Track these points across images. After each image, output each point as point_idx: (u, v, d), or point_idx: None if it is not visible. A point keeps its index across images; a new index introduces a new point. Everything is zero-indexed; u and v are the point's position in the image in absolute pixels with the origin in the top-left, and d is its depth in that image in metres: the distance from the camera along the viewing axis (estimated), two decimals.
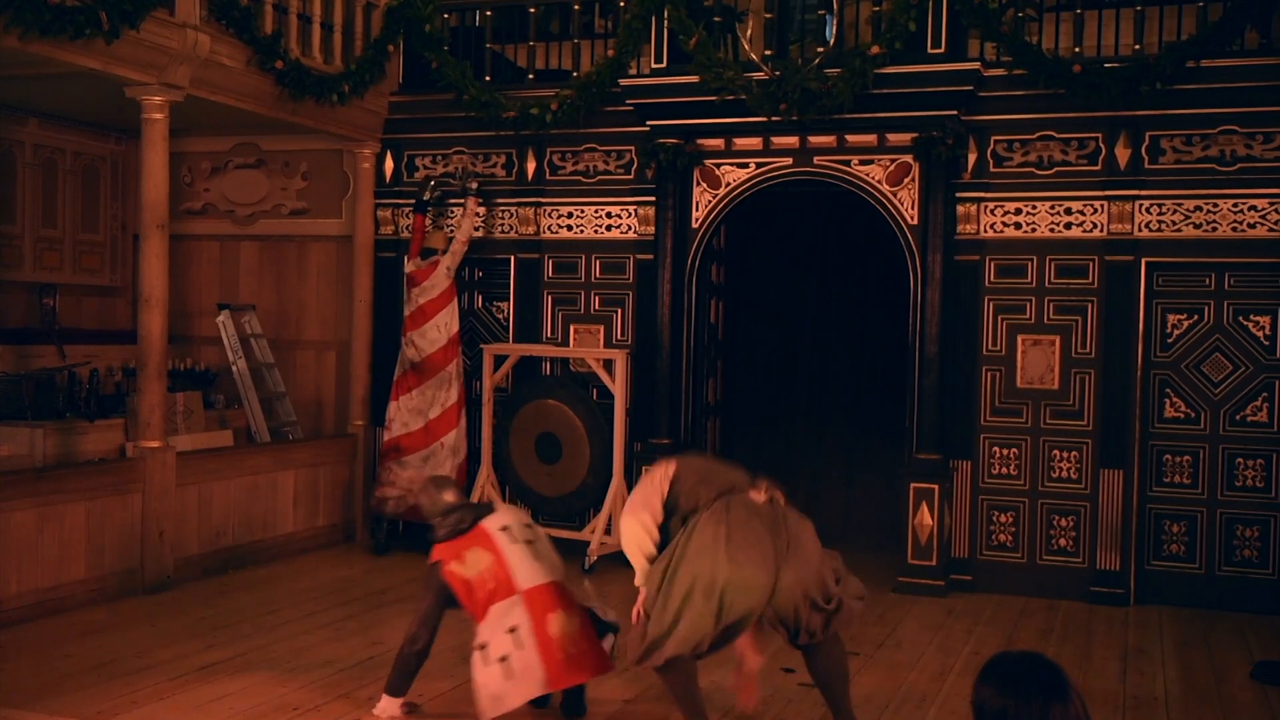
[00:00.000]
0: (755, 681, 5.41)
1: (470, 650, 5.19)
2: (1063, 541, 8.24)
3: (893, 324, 9.24)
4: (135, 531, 7.62)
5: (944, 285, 8.24)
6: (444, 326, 9.12)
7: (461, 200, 9.43)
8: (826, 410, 10.22)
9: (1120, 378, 8.10)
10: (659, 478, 5.04)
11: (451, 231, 9.47)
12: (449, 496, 5.46)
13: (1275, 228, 7.77)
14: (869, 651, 6.72)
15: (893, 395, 9.27)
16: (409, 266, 9.26)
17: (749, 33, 8.49)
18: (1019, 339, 8.30)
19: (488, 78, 9.46)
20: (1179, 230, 7.96)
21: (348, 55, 9.27)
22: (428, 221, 9.46)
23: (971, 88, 8.11)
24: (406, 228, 9.68)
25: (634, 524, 4.99)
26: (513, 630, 5.08)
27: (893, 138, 8.34)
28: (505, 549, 5.22)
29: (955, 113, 8.15)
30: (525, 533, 5.37)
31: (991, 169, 8.32)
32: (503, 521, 5.35)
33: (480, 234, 9.46)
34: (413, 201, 9.55)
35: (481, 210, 9.45)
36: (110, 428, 8.61)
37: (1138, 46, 8.06)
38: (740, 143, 8.73)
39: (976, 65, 8.08)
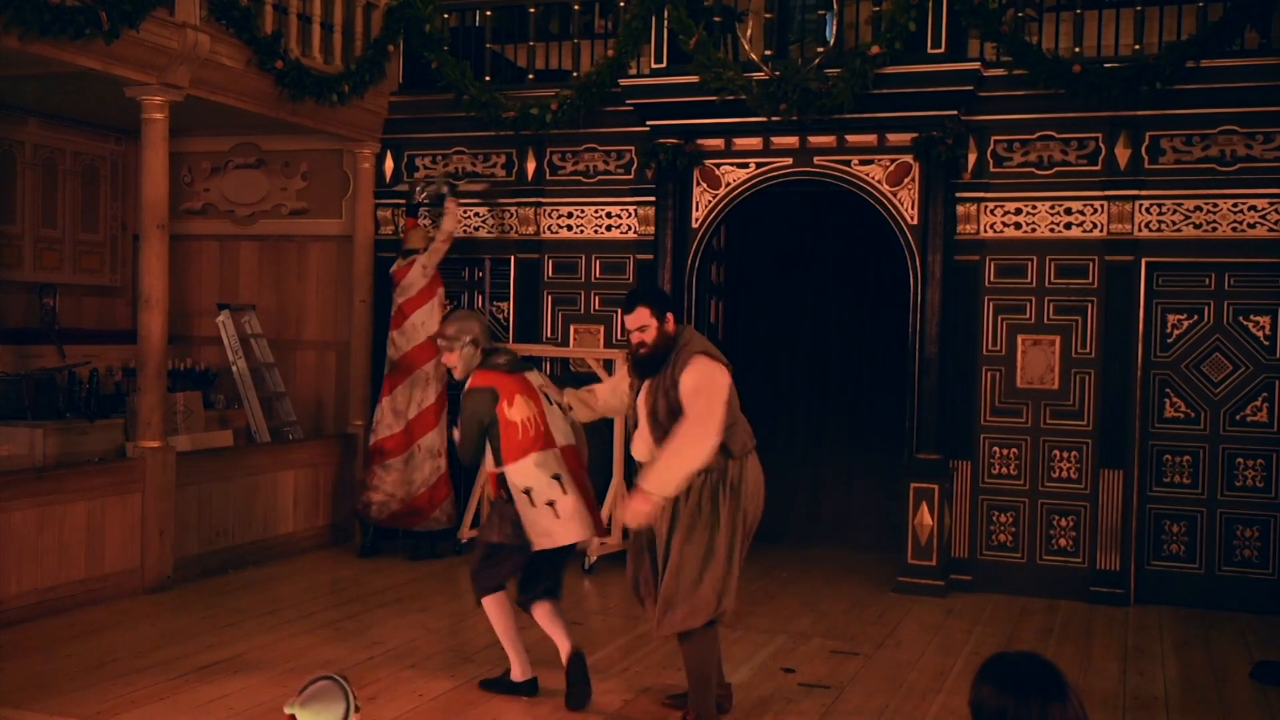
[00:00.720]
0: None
1: (509, 501, 5.50)
2: (1063, 541, 8.24)
3: (893, 324, 9.23)
4: (135, 531, 7.62)
5: (944, 285, 8.24)
6: (423, 325, 9.05)
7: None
8: (826, 410, 10.21)
9: (1120, 378, 8.10)
10: (724, 390, 5.20)
11: (432, 232, 9.44)
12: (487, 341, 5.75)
13: (1275, 228, 7.77)
14: (869, 651, 6.72)
15: (893, 395, 9.27)
16: (393, 266, 9.26)
17: (749, 33, 8.49)
18: (1019, 339, 8.30)
19: (488, 78, 9.46)
20: (1179, 230, 7.97)
21: (348, 55, 9.27)
22: (423, 223, 9.44)
23: (971, 88, 8.11)
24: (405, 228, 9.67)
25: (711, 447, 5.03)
26: (556, 477, 5.48)
27: (893, 138, 8.34)
28: (545, 408, 5.64)
29: (955, 113, 8.15)
30: (554, 398, 5.77)
31: (991, 169, 8.32)
32: (540, 382, 5.76)
33: (482, 233, 9.45)
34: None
35: (460, 211, 9.38)
36: (110, 428, 8.61)
37: (1138, 46, 8.06)
38: (740, 143, 8.73)
39: (976, 65, 8.08)
